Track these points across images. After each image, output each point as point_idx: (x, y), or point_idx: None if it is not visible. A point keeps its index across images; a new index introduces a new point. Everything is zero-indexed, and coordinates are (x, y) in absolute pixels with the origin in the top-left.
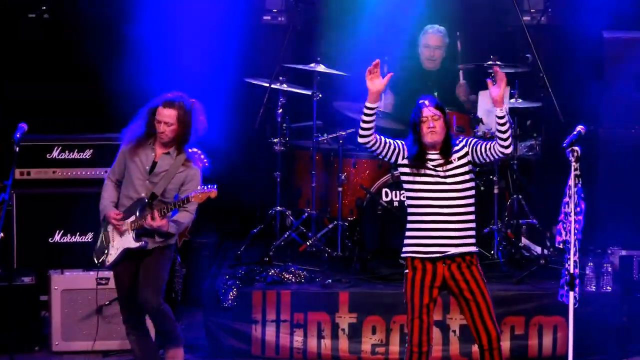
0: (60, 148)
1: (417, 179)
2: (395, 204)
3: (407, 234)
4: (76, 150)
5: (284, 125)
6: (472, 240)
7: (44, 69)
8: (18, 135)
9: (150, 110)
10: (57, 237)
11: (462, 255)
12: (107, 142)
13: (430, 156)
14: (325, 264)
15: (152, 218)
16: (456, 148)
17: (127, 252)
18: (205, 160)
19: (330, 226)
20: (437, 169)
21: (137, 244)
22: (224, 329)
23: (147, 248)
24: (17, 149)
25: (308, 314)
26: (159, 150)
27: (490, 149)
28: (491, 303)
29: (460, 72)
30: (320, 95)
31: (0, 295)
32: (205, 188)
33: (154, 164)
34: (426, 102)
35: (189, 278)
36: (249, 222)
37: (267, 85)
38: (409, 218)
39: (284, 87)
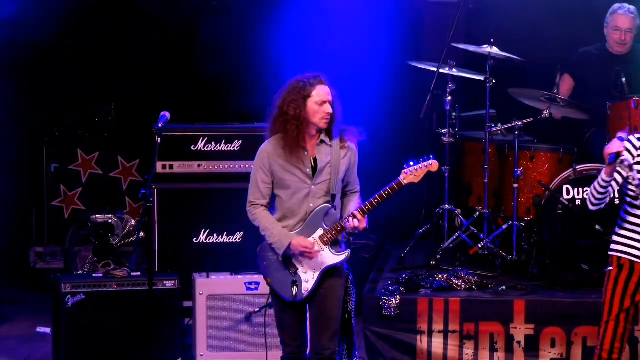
0: (206, 139)
1: None
2: (578, 202)
3: (621, 232)
4: (223, 141)
5: (453, 114)
6: None
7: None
8: (160, 125)
9: (302, 94)
10: (202, 237)
11: None
12: (258, 132)
13: None
14: (498, 268)
15: (357, 219)
16: None
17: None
18: (357, 131)
19: (505, 227)
20: None
21: (341, 257)
22: (385, 340)
23: (348, 260)
24: (159, 139)
25: (479, 324)
26: (309, 142)
27: None
28: None
29: None
30: (493, 81)
31: (140, 301)
32: (422, 163)
33: (314, 162)
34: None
35: None
36: (414, 222)
37: (435, 69)
38: (628, 218)
39: (454, 71)
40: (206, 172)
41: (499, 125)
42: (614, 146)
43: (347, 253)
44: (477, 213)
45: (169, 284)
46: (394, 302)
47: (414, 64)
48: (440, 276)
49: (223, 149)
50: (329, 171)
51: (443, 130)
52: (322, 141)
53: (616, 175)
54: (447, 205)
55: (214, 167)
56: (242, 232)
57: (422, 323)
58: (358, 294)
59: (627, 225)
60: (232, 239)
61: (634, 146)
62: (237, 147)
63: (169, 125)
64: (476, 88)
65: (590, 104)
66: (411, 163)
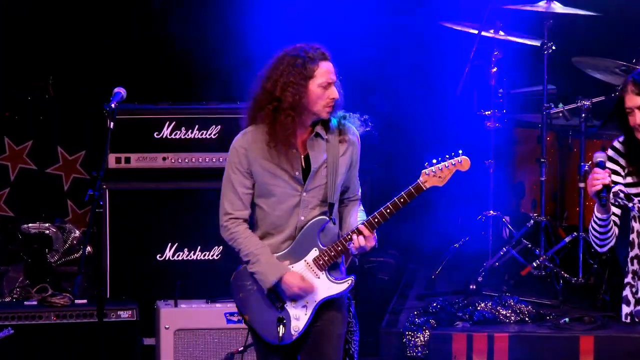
0: (173, 123)
1: None
2: None
3: None
4: (197, 126)
5: (500, 91)
6: None
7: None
8: (113, 105)
9: (303, 74)
10: (168, 253)
11: None
12: (241, 115)
13: None
14: (559, 294)
15: (363, 236)
16: None
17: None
18: (360, 119)
19: (568, 239)
20: None
21: (342, 286)
22: None
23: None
24: (112, 124)
25: None
26: (300, 136)
27: None
28: None
29: None
30: (553, 47)
31: (87, 337)
32: (447, 161)
33: (305, 161)
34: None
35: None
36: (446, 233)
37: (476, 32)
38: None
39: (500, 35)
40: (173, 167)
41: (560, 105)
42: (598, 179)
43: (349, 281)
44: (532, 221)
45: (124, 314)
46: (421, 338)
47: (449, 25)
48: (482, 305)
49: (196, 137)
50: (325, 173)
51: (487, 112)
52: (317, 134)
53: (614, 209)
54: (491, 212)
55: (184, 160)
56: (220, 247)
57: None
58: (374, 328)
59: None
60: (207, 256)
61: (619, 154)
62: (214, 135)
63: (125, 105)
64: (530, 56)
65: None
66: (434, 161)
